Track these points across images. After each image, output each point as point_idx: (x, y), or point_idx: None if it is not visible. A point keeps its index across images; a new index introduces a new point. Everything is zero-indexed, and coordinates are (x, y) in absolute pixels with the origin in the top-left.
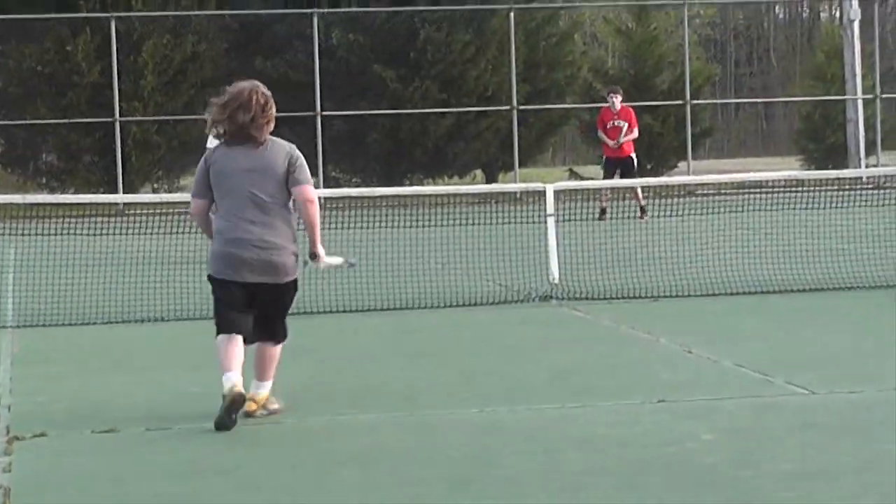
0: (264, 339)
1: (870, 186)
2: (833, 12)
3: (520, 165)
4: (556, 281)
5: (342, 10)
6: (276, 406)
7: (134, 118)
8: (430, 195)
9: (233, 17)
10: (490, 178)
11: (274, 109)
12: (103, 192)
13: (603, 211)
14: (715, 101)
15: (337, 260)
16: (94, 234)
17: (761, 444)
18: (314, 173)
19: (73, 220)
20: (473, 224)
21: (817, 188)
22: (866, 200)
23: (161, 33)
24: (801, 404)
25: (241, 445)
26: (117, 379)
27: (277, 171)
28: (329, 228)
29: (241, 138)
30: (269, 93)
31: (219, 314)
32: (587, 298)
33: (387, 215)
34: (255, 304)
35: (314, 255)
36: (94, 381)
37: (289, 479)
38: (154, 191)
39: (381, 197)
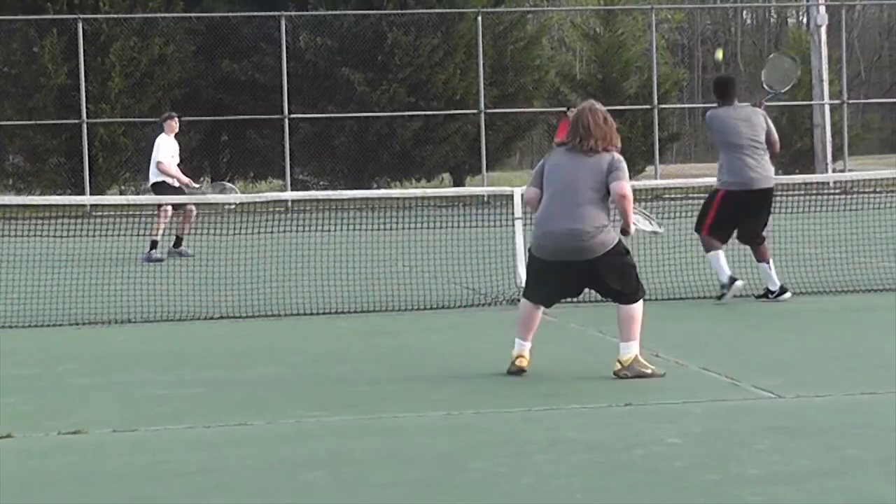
0: (615, 300)
1: (837, 191)
2: (800, 18)
3: (487, 169)
4: (524, 284)
5: (310, 13)
6: (647, 370)
7: (101, 120)
8: (397, 198)
9: (200, 20)
10: (457, 182)
11: (613, 125)
12: (70, 194)
13: None
14: (682, 105)
15: (646, 226)
16: (61, 236)
17: (728, 447)
18: (281, 176)
19: (39, 221)
20: (441, 227)
21: (784, 193)
22: (833, 205)
23: (128, 35)
24: (768, 408)
25: (209, 448)
26: (84, 380)
27: (600, 174)
28: (296, 231)
29: (582, 148)
30: (603, 109)
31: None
32: None
33: (354, 218)
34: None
35: (625, 232)
36: (60, 382)
37: (256, 481)
38: (121, 192)
39: (349, 200)
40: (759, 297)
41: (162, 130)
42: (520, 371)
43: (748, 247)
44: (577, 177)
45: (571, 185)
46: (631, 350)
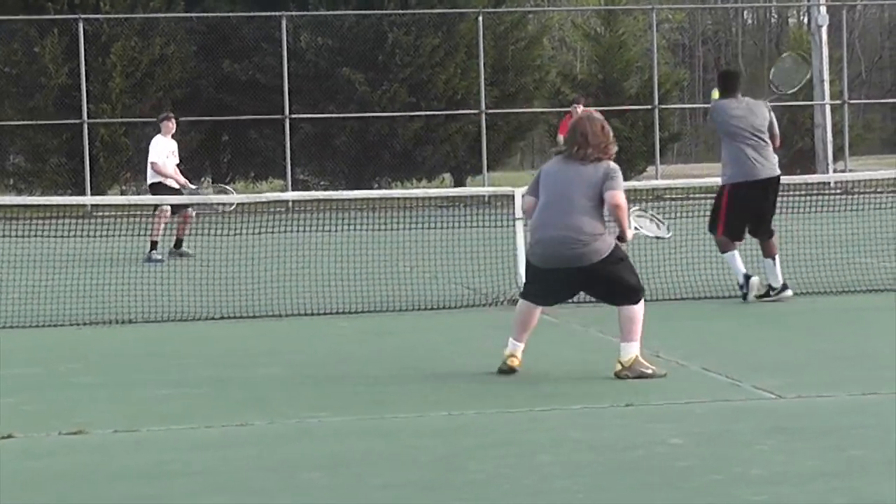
0: (614, 304)
1: (837, 191)
2: (801, 18)
3: (488, 169)
4: (524, 284)
5: (310, 13)
6: (648, 370)
7: (102, 120)
8: (397, 198)
9: (201, 20)
10: (458, 182)
11: (609, 133)
12: (71, 194)
13: None
14: (683, 105)
15: (652, 230)
16: (62, 236)
17: (730, 448)
18: (282, 176)
19: (40, 221)
20: (441, 227)
21: (785, 193)
22: (834, 205)
23: (129, 35)
24: (769, 409)
25: (209, 448)
26: (85, 381)
27: (595, 183)
28: (297, 231)
29: (577, 157)
30: (601, 118)
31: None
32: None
33: (354, 218)
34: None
35: (622, 239)
36: (61, 382)
37: (256, 481)
38: (122, 193)
39: (349, 200)
40: (759, 296)
41: (160, 131)
42: (510, 370)
43: (756, 241)
44: (570, 185)
45: (565, 193)
46: (631, 351)
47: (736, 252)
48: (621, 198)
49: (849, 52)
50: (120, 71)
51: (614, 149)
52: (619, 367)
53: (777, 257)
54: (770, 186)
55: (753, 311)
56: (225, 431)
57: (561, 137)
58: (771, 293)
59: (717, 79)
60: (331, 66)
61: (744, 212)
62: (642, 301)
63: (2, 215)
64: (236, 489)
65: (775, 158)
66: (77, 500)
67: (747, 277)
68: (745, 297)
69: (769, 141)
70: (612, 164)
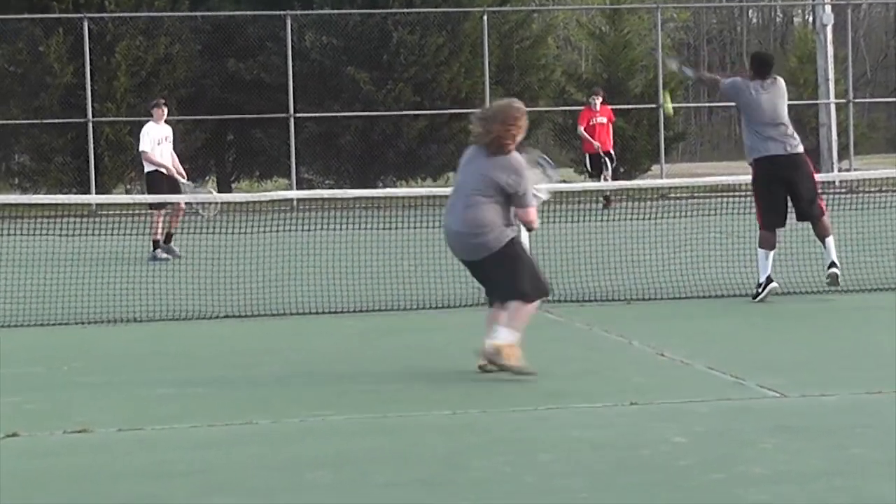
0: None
1: (843, 190)
2: (806, 17)
3: None
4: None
5: (315, 12)
6: (511, 362)
7: (107, 119)
8: (402, 197)
9: (205, 19)
10: None
11: (520, 124)
12: (76, 193)
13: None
14: (688, 104)
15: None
16: (67, 235)
17: (733, 447)
18: (286, 175)
19: (45, 220)
20: None
21: None
22: (839, 204)
23: (134, 34)
24: (774, 407)
25: (213, 447)
26: (89, 379)
27: (499, 179)
28: (301, 230)
29: (487, 144)
30: (520, 108)
31: None
32: (560, 301)
33: (359, 217)
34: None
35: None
36: (66, 381)
37: (260, 480)
38: (127, 191)
39: (354, 199)
40: (830, 265)
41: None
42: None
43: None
44: (476, 180)
45: (469, 187)
46: (505, 336)
47: (771, 253)
48: (533, 214)
49: (854, 51)
50: (125, 70)
51: (512, 139)
52: (490, 349)
53: (831, 238)
54: (792, 164)
55: (758, 309)
56: (229, 430)
57: (581, 129)
58: (835, 268)
59: (752, 60)
60: (335, 65)
61: (776, 195)
62: (535, 302)
63: (7, 214)
64: (240, 488)
65: (795, 140)
66: (80, 499)
67: (769, 280)
68: (755, 296)
69: (788, 125)
70: (519, 167)
